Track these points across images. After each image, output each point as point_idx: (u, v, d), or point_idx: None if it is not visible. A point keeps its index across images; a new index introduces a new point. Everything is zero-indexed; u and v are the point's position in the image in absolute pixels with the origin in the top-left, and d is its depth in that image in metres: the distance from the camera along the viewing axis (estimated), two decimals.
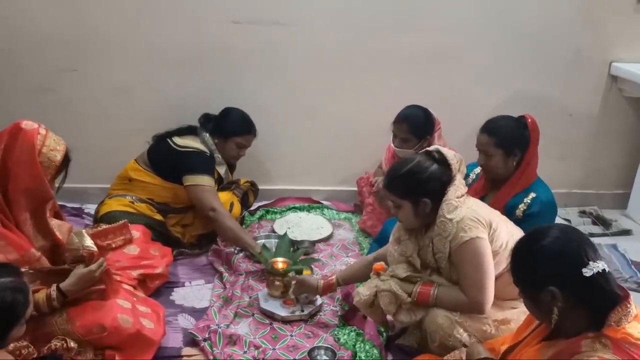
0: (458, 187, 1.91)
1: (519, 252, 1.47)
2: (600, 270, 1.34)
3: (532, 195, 2.29)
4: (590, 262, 1.34)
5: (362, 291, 2.01)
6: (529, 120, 2.33)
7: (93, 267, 1.89)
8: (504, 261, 1.90)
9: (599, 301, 1.34)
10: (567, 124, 3.39)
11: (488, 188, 2.40)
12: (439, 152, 1.96)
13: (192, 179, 2.65)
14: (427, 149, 2.02)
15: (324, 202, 3.37)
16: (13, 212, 1.87)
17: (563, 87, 3.31)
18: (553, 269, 1.37)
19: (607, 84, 3.33)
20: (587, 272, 1.33)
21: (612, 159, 3.53)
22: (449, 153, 1.95)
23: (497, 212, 2.03)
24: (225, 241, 2.76)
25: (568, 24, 3.18)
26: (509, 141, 2.29)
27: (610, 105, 3.38)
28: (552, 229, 1.44)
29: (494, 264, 1.87)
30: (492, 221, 1.89)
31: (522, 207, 2.27)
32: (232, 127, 2.84)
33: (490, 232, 1.88)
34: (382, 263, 2.08)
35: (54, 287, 1.82)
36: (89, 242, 2.03)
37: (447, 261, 1.90)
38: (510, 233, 1.93)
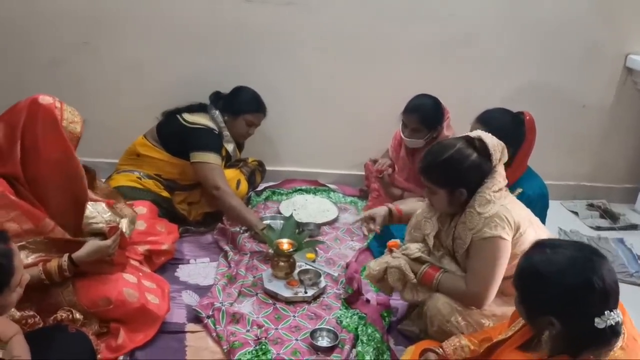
0: (497, 181, 1.83)
1: (535, 269, 1.31)
2: (614, 323, 1.21)
3: (519, 190, 2.22)
4: (606, 313, 1.20)
5: (373, 265, 2.05)
6: (527, 117, 2.26)
7: (109, 242, 1.89)
8: None
9: (593, 342, 1.24)
10: (579, 116, 3.36)
11: None
12: (480, 139, 1.84)
13: (199, 156, 2.65)
14: (469, 134, 1.90)
15: (330, 186, 3.37)
16: (38, 189, 1.85)
17: (578, 79, 3.27)
18: (565, 306, 1.24)
19: (622, 77, 3.29)
20: (599, 323, 1.20)
21: (622, 152, 3.50)
22: (491, 141, 1.83)
23: (532, 216, 1.92)
24: (230, 220, 2.77)
25: (585, 15, 3.13)
26: (501, 135, 2.20)
27: (623, 98, 3.34)
28: (590, 258, 1.25)
29: (511, 267, 1.80)
30: (521, 224, 1.81)
31: None
32: (242, 104, 2.84)
33: (516, 236, 1.80)
34: (397, 240, 2.09)
35: (65, 256, 1.83)
36: (108, 215, 2.04)
37: (465, 251, 1.88)
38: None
